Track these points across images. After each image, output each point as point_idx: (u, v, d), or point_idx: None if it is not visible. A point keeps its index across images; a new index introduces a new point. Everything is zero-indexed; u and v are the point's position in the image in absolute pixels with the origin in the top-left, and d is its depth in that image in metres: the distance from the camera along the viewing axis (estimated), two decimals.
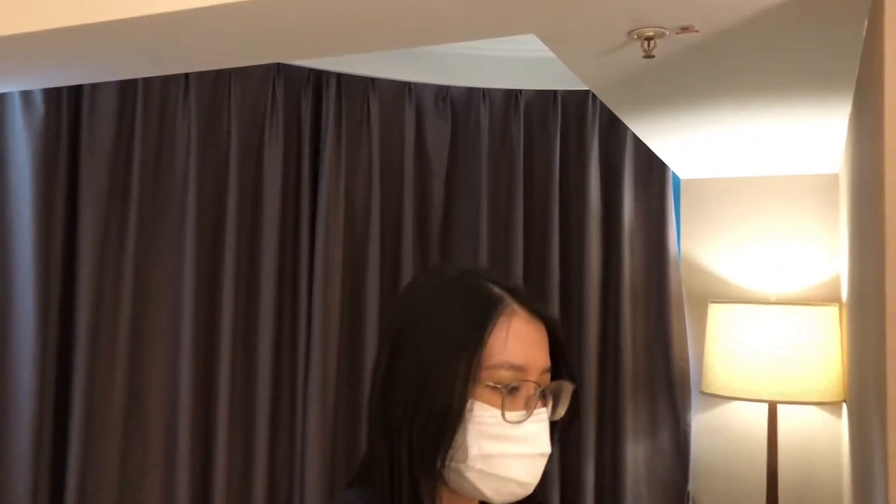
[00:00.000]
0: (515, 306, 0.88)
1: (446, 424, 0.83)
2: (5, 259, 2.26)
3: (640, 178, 2.89)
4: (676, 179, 2.91)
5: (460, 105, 2.89)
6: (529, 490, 0.89)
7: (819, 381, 2.45)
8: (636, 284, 2.86)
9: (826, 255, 2.70)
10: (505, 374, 0.85)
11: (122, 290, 2.39)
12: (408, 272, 2.75)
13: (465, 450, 0.84)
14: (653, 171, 2.87)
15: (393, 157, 2.79)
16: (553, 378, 0.90)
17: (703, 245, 2.86)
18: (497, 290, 0.89)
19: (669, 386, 2.79)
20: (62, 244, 2.33)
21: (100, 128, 2.36)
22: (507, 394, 0.86)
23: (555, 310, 2.78)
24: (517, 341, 0.86)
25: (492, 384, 0.85)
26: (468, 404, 0.84)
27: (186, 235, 2.46)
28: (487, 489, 0.86)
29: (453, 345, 0.84)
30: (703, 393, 2.66)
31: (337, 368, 2.64)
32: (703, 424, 2.81)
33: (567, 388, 0.90)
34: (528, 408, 0.87)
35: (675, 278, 2.82)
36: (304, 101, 2.67)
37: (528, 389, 0.87)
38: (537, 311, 0.90)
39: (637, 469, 2.79)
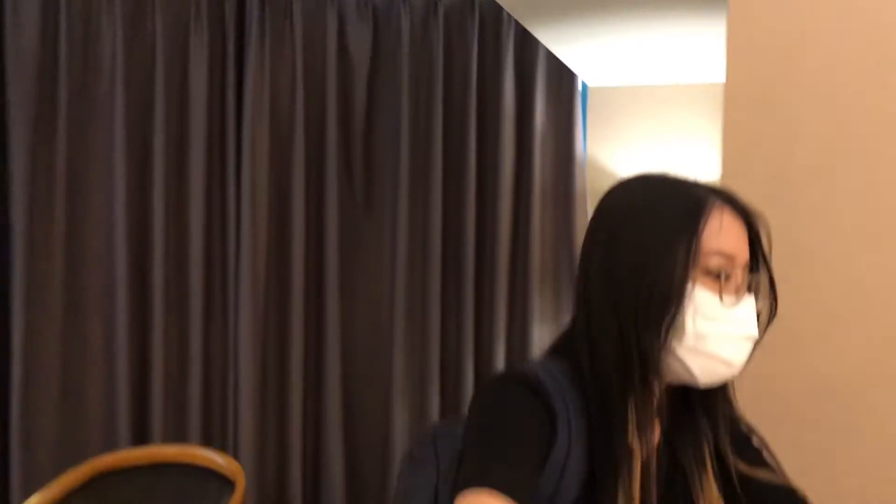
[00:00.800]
0: (721, 202, 0.94)
1: (671, 303, 0.89)
2: None
3: (552, 85, 3.09)
4: (585, 87, 3.12)
5: (382, 12, 3.00)
6: (734, 371, 0.94)
7: None
8: (545, 184, 3.10)
9: (712, 155, 2.99)
10: (718, 261, 0.91)
11: (55, 192, 2.50)
12: (332, 172, 2.91)
13: (682, 328, 0.90)
14: (563, 79, 3.07)
15: (316, 62, 2.90)
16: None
17: (606, 148, 3.11)
18: (702, 188, 0.96)
19: (572, 275, 3.08)
20: None
21: (23, 37, 2.40)
22: (723, 280, 0.91)
23: (470, 207, 3.00)
24: (728, 232, 0.92)
25: (707, 269, 0.91)
26: (688, 286, 0.90)
27: (116, 144, 2.56)
28: (696, 366, 0.91)
29: (673, 232, 0.91)
30: None
31: (266, 259, 2.83)
32: None
33: (766, 281, 0.97)
34: (739, 293, 0.93)
35: (580, 179, 3.07)
36: (227, 7, 2.75)
37: (738, 277, 0.93)
38: (742, 207, 0.95)
39: (543, 348, 3.10)
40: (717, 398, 0.99)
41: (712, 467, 0.98)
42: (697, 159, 3.01)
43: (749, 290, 0.94)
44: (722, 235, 0.91)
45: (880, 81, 1.30)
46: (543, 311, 3.10)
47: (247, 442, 2.73)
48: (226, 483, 2.30)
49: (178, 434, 2.72)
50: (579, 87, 3.07)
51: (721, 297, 0.91)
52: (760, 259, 0.96)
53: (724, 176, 1.35)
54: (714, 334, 0.91)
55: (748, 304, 0.93)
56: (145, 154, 2.65)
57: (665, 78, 2.97)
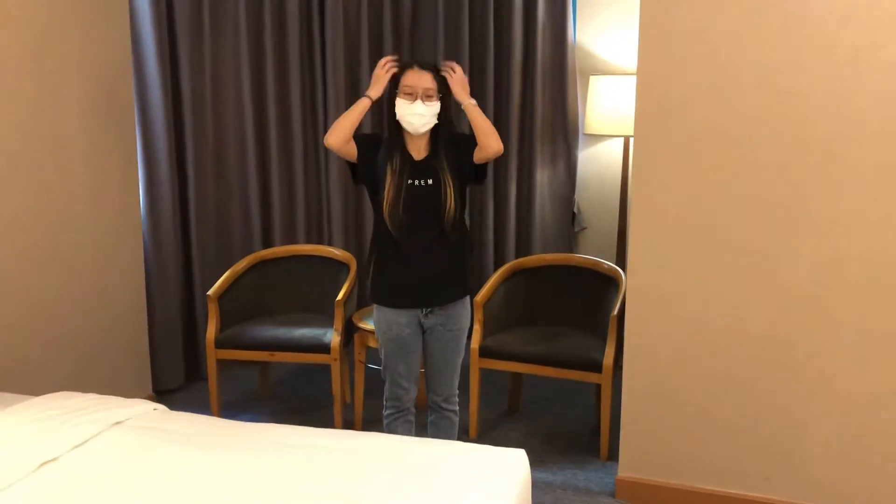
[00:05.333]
0: (415, 66, 2.43)
1: (391, 107, 2.43)
2: None
3: None
4: None
5: None
6: (419, 128, 2.39)
7: None
8: (545, 63, 4.16)
9: None
10: (406, 88, 2.40)
11: (204, 71, 3.69)
12: None
13: (398, 109, 2.41)
14: None
15: None
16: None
17: (590, 34, 4.14)
18: (411, 62, 2.45)
19: (565, 131, 4.19)
20: None
21: None
22: (408, 95, 2.38)
23: (488, 82, 4.11)
24: (412, 76, 2.41)
25: (403, 91, 2.41)
26: (396, 97, 2.42)
27: (241, 41, 3.72)
28: (406, 123, 2.40)
29: (393, 81, 2.45)
30: (585, 134, 4.08)
31: None
32: (586, 156, 4.26)
33: (436, 94, 2.41)
34: (416, 100, 2.39)
35: (571, 58, 4.13)
36: None
37: (416, 93, 2.39)
38: (421, 64, 2.44)
39: (543, 186, 4.26)
40: (442, 143, 2.45)
41: (450, 172, 2.43)
42: None
43: (424, 98, 2.37)
44: (409, 78, 2.40)
45: None
46: (543, 157, 4.23)
47: (338, 241, 4.03)
48: (341, 266, 3.54)
49: (291, 238, 4.02)
50: None
51: (405, 101, 2.40)
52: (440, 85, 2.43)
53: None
54: (405, 112, 2.39)
55: (419, 103, 2.37)
56: (259, 55, 3.82)
57: None
